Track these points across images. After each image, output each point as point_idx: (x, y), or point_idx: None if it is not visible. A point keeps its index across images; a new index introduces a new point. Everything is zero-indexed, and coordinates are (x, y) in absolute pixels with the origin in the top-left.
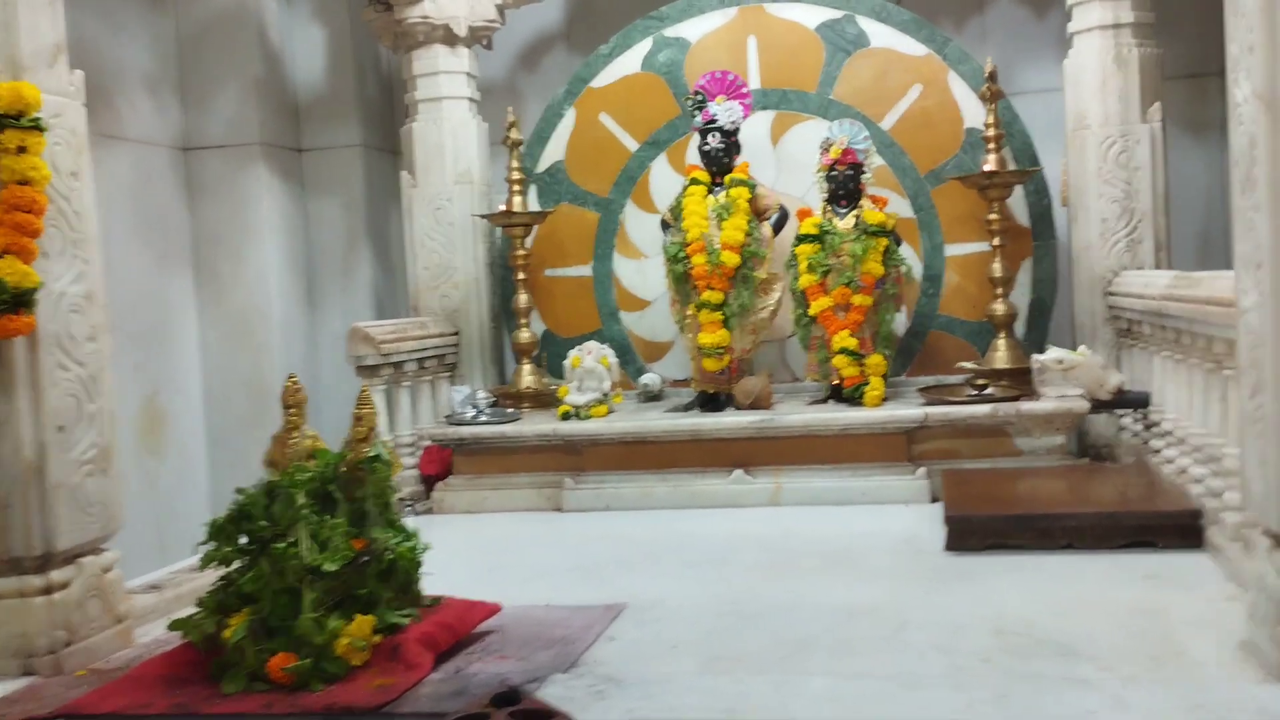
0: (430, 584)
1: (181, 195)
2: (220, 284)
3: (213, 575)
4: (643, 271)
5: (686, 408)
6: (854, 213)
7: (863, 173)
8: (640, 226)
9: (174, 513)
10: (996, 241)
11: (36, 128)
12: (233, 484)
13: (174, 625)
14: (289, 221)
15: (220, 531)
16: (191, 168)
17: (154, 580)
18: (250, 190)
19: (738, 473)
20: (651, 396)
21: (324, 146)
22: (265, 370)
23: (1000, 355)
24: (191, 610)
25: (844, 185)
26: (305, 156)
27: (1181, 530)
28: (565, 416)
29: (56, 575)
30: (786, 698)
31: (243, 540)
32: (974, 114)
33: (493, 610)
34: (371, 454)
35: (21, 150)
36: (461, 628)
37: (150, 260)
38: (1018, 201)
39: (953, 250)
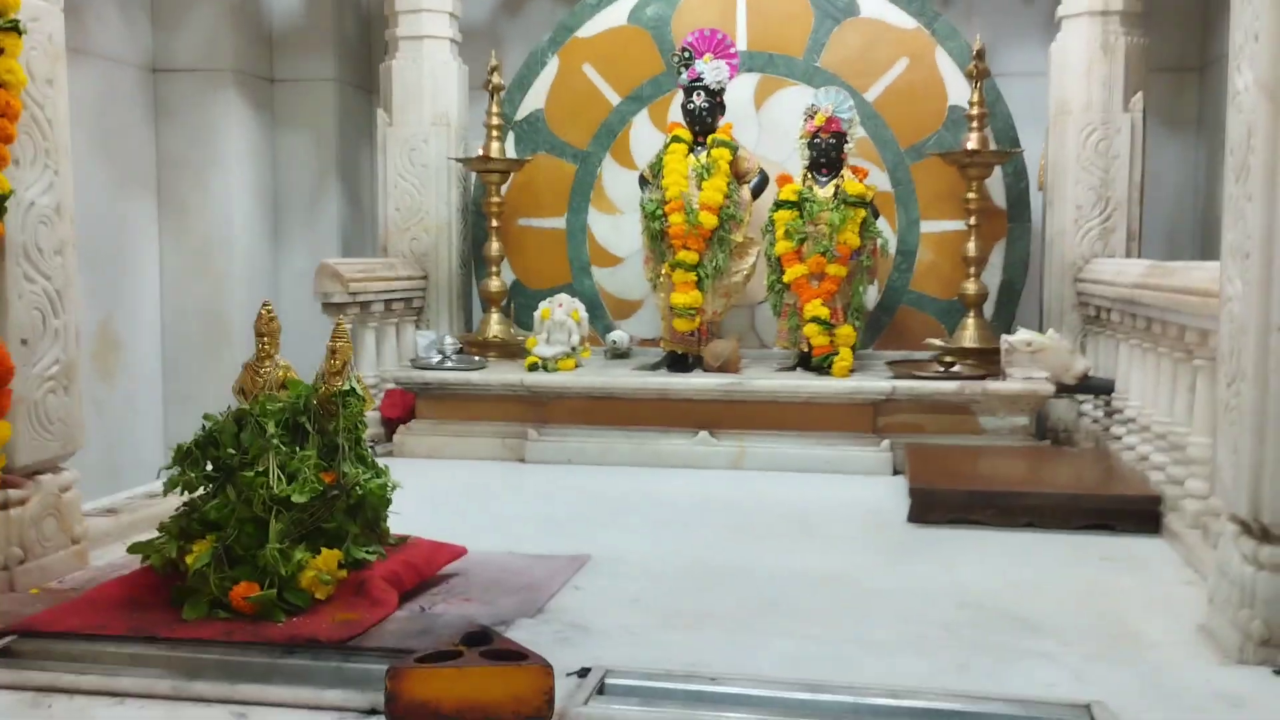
0: (392, 525)
1: (148, 117)
2: (183, 211)
3: (172, 502)
4: (617, 227)
5: (654, 367)
6: (834, 182)
7: (845, 142)
8: (617, 182)
9: (124, 440)
10: (972, 221)
11: (15, 29)
12: (185, 414)
13: (134, 548)
14: (257, 152)
15: (186, 456)
16: (159, 90)
17: (109, 504)
18: (219, 117)
19: (703, 434)
20: (619, 354)
21: (297, 78)
22: (225, 302)
23: (969, 334)
24: (150, 535)
25: (826, 154)
26: (277, 87)
27: (1140, 515)
28: (532, 368)
29: (14, 492)
30: (749, 655)
31: (208, 467)
32: (958, 92)
33: (458, 553)
34: (345, 388)
35: None
36: (427, 569)
37: (111, 181)
38: (995, 183)
39: (928, 227)
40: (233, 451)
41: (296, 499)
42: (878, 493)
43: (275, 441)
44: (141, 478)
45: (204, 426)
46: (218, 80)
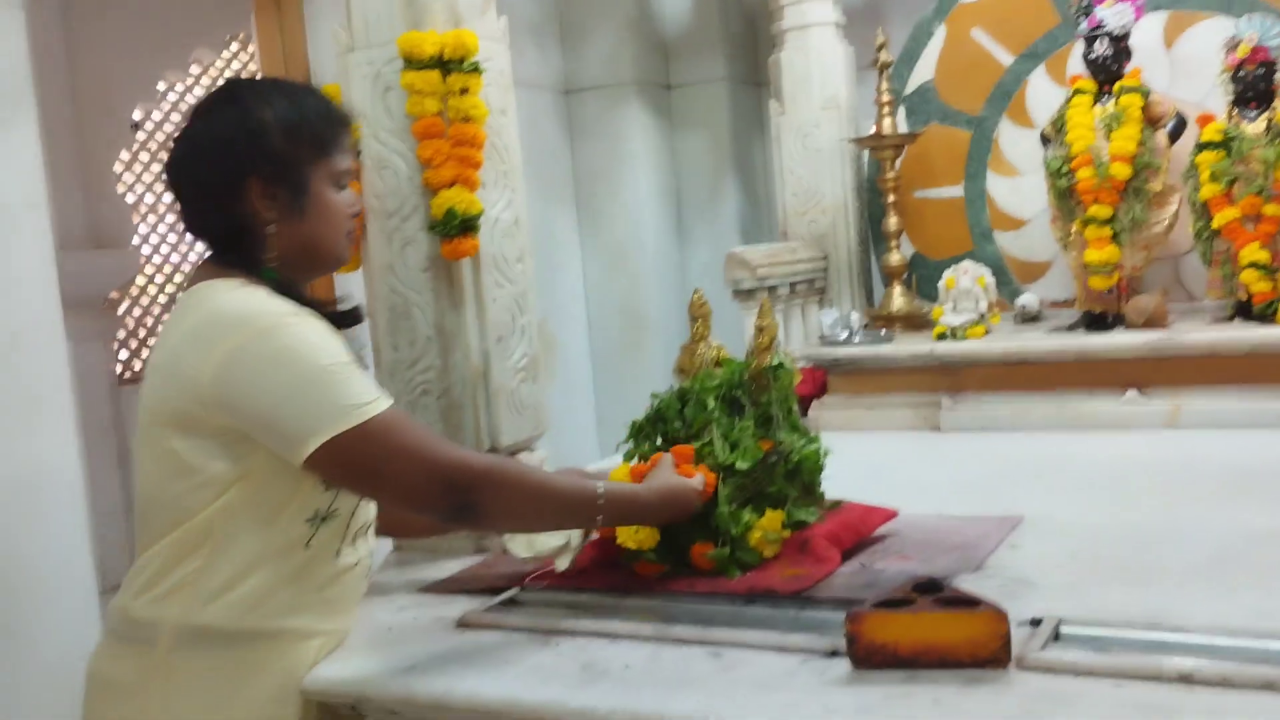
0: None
1: (564, 135)
2: (598, 218)
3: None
4: (1018, 189)
5: (1070, 328)
6: (1266, 115)
7: (1276, 71)
8: (1015, 143)
9: (563, 428)
10: None
11: (476, 70)
12: (613, 404)
13: None
14: (659, 156)
15: (640, 431)
16: (571, 108)
17: None
18: (624, 128)
19: (1130, 393)
20: (1029, 317)
21: (691, 82)
22: (640, 298)
23: None
24: None
25: (1253, 86)
26: (673, 93)
27: None
28: (941, 337)
29: None
30: (1214, 607)
31: (658, 441)
32: None
33: (890, 515)
34: (774, 362)
35: (465, 91)
36: (863, 529)
37: (538, 196)
38: None
39: None
40: (679, 425)
41: (740, 466)
42: None
43: (716, 415)
44: (584, 460)
45: (652, 404)
46: (621, 94)
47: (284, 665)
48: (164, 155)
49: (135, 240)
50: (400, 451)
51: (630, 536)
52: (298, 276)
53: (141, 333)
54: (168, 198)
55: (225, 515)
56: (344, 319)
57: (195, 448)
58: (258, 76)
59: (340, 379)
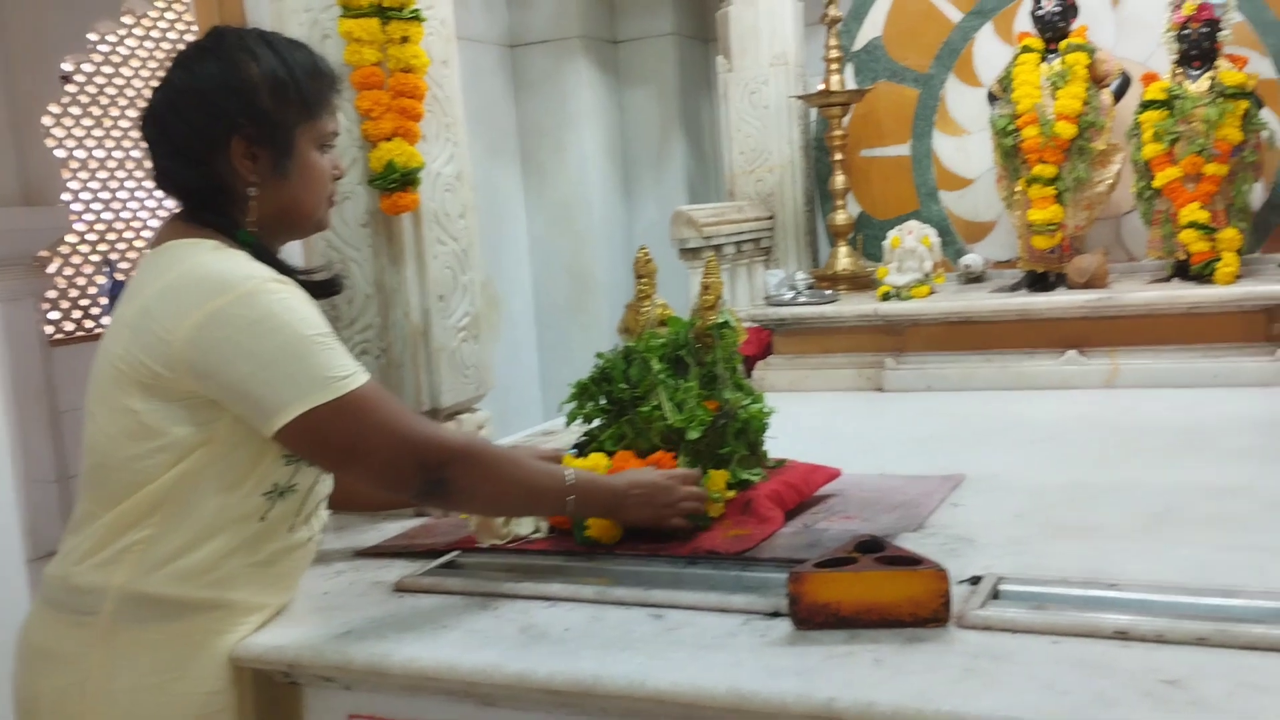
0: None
1: (509, 90)
2: (544, 175)
3: (566, 438)
4: (964, 149)
5: (1013, 288)
6: (1208, 75)
7: (1220, 30)
8: (962, 101)
9: (508, 388)
10: None
11: (416, 18)
12: (558, 364)
13: None
14: (606, 113)
15: (584, 391)
16: (517, 63)
17: (511, 442)
18: (570, 83)
19: (1070, 353)
20: (974, 278)
21: (638, 37)
22: (586, 257)
23: None
24: None
25: (1197, 45)
26: (620, 47)
27: None
28: (885, 297)
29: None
30: (1151, 563)
31: (602, 401)
32: None
33: (833, 474)
34: (720, 320)
35: (405, 40)
36: (806, 489)
37: (482, 152)
38: None
39: None
40: (624, 386)
41: (691, 435)
42: (1276, 404)
43: (661, 375)
44: (528, 422)
45: (597, 364)
46: (567, 49)
47: (226, 638)
48: (95, 109)
49: (65, 197)
50: (376, 428)
51: (602, 530)
52: (273, 240)
53: (73, 293)
54: (137, 152)
55: (181, 482)
56: (323, 288)
57: (156, 410)
58: (245, 26)
59: (321, 350)
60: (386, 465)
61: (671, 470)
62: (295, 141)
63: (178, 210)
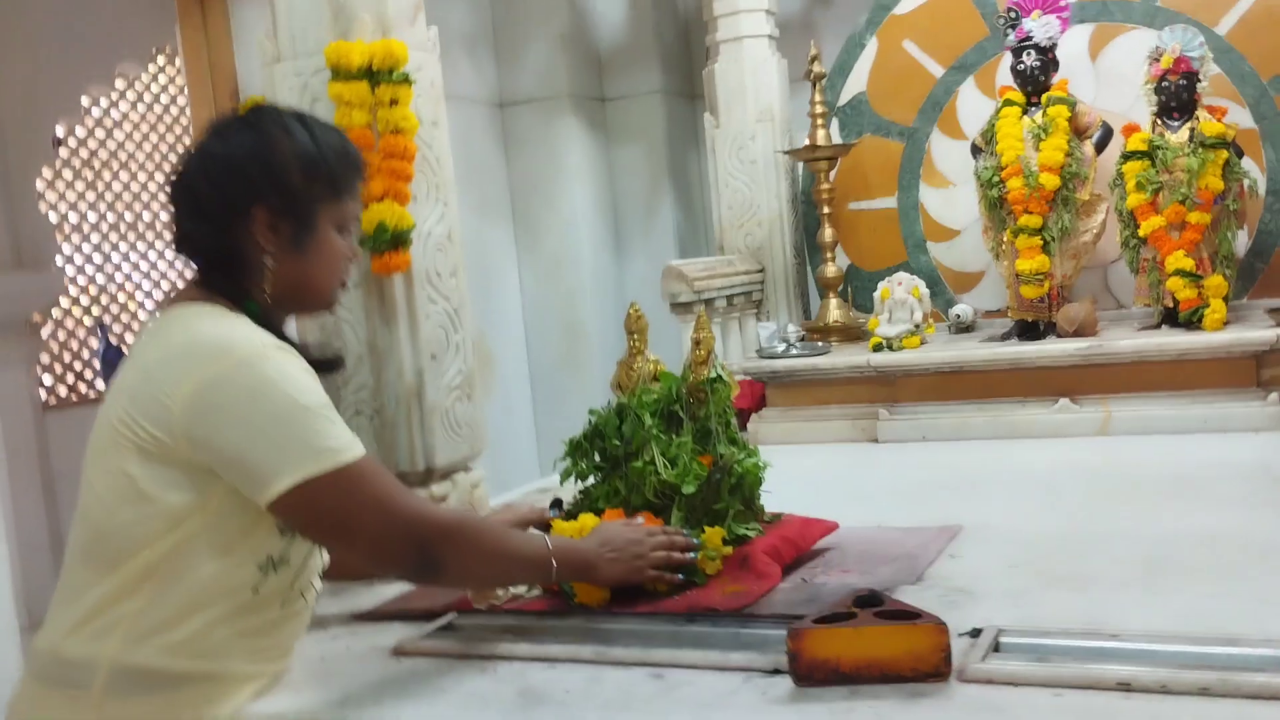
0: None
1: (498, 148)
2: (535, 231)
3: (563, 494)
4: (950, 200)
5: (1004, 337)
6: (1188, 125)
7: (1198, 81)
8: (947, 154)
9: (502, 446)
10: None
11: (405, 81)
12: (553, 420)
13: None
14: (595, 169)
15: (578, 448)
16: (506, 122)
17: (508, 501)
18: (559, 141)
19: (1063, 401)
20: (964, 327)
21: (626, 95)
22: (578, 312)
23: None
24: None
25: (1176, 96)
26: (609, 105)
27: None
28: (877, 348)
29: (436, 489)
30: (1148, 612)
31: (596, 459)
32: None
33: (830, 528)
34: (712, 375)
35: (394, 103)
36: (803, 543)
37: (473, 210)
38: None
39: None
40: (617, 442)
41: (686, 490)
42: (1268, 450)
43: (654, 431)
44: (524, 478)
45: (590, 421)
46: (556, 107)
47: (220, 708)
48: (88, 172)
49: (59, 261)
50: (369, 503)
51: (588, 594)
52: (282, 312)
53: (66, 357)
54: (165, 214)
55: (174, 551)
56: (324, 365)
57: (153, 476)
58: (279, 105)
59: (318, 420)
60: (378, 541)
61: (636, 524)
62: (317, 219)
63: (192, 277)
